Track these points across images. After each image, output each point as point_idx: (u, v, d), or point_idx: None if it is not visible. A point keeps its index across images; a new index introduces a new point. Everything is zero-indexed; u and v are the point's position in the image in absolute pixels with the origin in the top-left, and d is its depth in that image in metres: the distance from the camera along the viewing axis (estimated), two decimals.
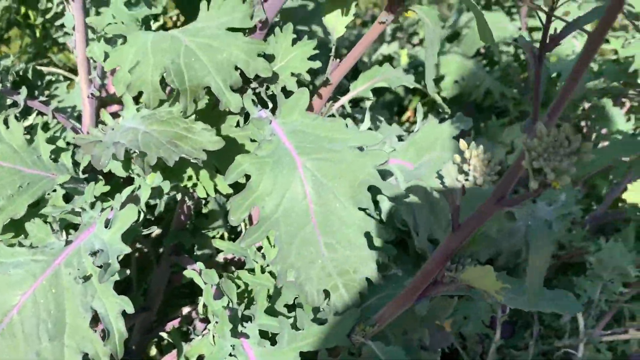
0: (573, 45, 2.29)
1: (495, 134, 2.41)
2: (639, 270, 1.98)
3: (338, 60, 1.46)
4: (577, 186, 2.59)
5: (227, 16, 1.27)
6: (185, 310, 1.65)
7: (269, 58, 1.36)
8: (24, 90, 1.43)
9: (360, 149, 1.13)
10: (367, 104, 1.57)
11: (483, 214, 0.96)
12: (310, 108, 1.51)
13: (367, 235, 1.09)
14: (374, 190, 1.13)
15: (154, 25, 1.60)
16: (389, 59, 2.49)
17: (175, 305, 1.68)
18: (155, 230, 1.36)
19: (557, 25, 0.83)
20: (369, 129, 1.58)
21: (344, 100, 1.53)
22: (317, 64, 1.32)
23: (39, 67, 1.64)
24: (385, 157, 1.11)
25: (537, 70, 0.85)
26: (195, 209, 1.57)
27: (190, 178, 1.38)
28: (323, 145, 1.14)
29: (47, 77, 1.64)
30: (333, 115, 1.61)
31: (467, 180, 0.92)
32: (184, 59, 1.22)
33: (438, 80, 2.31)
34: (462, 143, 0.94)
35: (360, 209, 1.10)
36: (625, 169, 2.28)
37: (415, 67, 2.39)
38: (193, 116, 1.25)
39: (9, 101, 1.45)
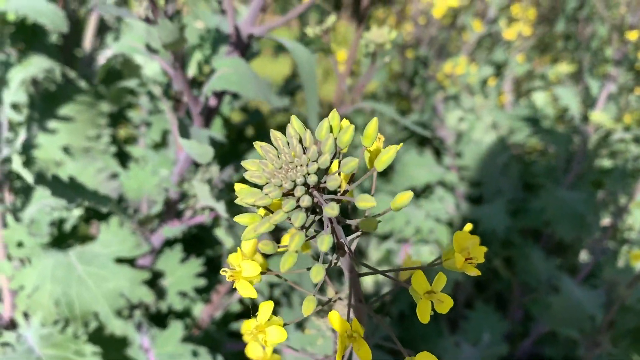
0: None
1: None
2: None
3: None
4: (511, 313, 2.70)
5: (118, 245, 1.42)
6: None
7: (160, 274, 1.51)
8: None
9: None
10: None
11: None
12: (209, 300, 1.65)
13: None
14: None
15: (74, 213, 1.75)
16: None
17: None
18: None
19: None
20: None
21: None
22: (202, 282, 1.46)
23: None
24: None
25: None
26: None
27: None
28: None
29: None
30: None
31: None
32: (76, 289, 1.37)
33: None
34: None
35: None
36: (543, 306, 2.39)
37: None
38: (84, 337, 1.39)
39: None
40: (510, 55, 3.14)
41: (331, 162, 0.47)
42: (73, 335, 1.39)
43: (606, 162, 2.65)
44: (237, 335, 1.69)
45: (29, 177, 1.05)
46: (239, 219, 0.50)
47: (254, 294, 0.55)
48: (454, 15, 2.83)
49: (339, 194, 0.51)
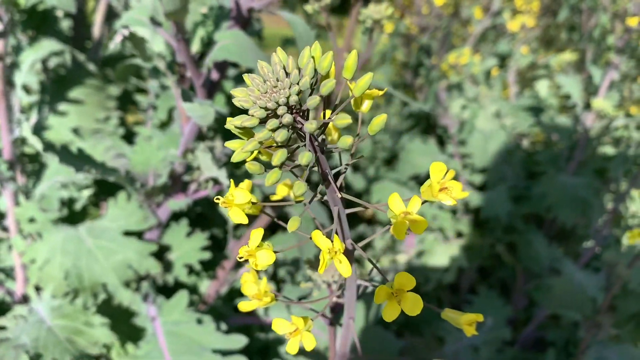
0: None
1: None
2: None
3: (237, 239, 1.65)
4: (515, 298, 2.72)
5: (126, 219, 1.47)
6: None
7: (166, 248, 1.55)
8: None
9: (225, 353, 1.30)
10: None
11: None
12: (214, 277, 1.69)
13: None
14: None
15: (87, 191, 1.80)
16: None
17: None
18: None
19: None
20: None
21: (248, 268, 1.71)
22: (207, 256, 1.51)
23: None
24: None
25: None
26: None
27: (104, 345, 1.56)
28: (193, 348, 1.31)
29: None
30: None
31: None
32: (86, 261, 1.42)
33: None
34: None
35: None
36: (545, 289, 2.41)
37: None
38: (94, 309, 1.44)
39: None
40: (515, 47, 3.17)
41: (312, 87, 0.51)
42: (83, 307, 1.44)
43: (609, 150, 2.67)
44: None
45: (38, 145, 1.10)
46: (230, 144, 0.54)
47: (244, 220, 0.59)
48: (456, 4, 2.87)
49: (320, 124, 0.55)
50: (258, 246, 0.61)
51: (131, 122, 2.08)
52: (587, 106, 2.56)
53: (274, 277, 1.82)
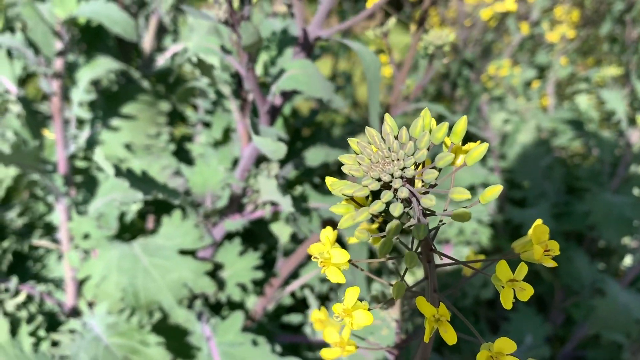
0: None
1: None
2: None
3: (286, 257, 1.66)
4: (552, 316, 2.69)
5: (181, 238, 1.49)
6: None
7: (219, 266, 1.57)
8: (14, 279, 1.67)
9: None
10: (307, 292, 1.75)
11: None
12: (262, 293, 1.71)
13: None
14: None
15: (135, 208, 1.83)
16: None
17: None
18: None
19: None
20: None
21: (295, 286, 1.72)
22: (260, 275, 1.52)
23: (33, 242, 1.88)
24: None
25: None
26: None
27: None
28: None
29: (41, 250, 1.89)
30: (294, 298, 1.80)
31: None
32: (142, 279, 1.45)
33: None
34: None
35: None
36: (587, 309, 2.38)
37: None
38: (149, 327, 1.46)
39: (2, 286, 1.68)
40: (554, 58, 3.13)
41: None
42: (138, 325, 1.46)
43: None
44: (289, 328, 1.74)
45: (110, 170, 1.12)
46: (335, 209, 0.55)
47: (342, 279, 0.60)
48: (501, 18, 2.84)
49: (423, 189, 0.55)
50: (354, 305, 0.61)
51: (178, 136, 2.10)
52: (632, 122, 2.52)
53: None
